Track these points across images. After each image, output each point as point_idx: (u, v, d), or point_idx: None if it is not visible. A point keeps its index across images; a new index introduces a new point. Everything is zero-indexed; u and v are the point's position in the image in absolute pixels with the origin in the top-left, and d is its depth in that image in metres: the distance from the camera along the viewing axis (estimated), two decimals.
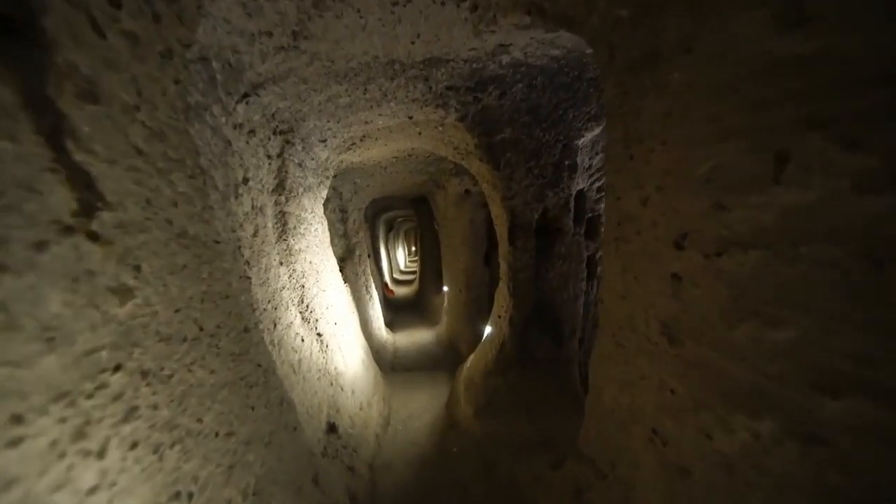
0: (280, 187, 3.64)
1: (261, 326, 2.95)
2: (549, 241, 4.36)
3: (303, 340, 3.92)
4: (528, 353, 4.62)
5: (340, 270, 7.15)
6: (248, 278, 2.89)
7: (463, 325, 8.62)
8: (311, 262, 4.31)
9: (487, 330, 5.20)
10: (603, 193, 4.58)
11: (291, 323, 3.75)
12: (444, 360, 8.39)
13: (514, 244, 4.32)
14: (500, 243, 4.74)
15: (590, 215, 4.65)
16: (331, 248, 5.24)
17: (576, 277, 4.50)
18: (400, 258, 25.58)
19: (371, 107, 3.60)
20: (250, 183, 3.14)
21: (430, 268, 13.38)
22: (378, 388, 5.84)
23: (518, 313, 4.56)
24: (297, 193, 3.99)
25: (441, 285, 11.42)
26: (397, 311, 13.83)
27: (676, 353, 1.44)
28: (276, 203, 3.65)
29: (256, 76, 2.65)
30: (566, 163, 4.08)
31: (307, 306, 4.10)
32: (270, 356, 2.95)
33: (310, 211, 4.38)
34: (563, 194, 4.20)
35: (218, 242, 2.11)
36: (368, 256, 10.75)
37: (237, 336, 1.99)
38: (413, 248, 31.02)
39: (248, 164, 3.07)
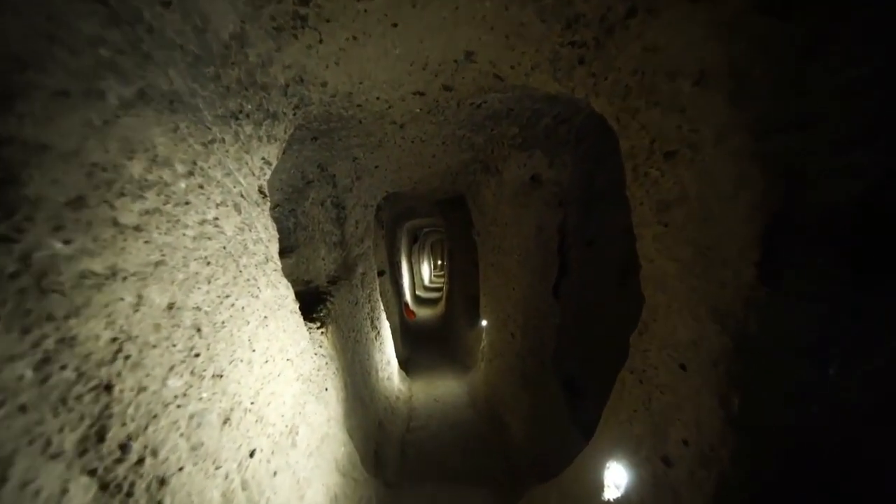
0: None
1: None
2: (881, 276, 1.41)
3: None
4: None
5: (325, 300, 4.40)
6: None
7: (514, 387, 5.64)
8: (179, 309, 1.54)
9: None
10: None
11: None
12: (483, 452, 5.40)
13: (778, 278, 1.40)
14: (702, 273, 1.82)
15: None
16: (275, 268, 2.49)
17: None
18: (425, 272, 22.95)
19: None
20: None
21: (460, 291, 10.50)
22: None
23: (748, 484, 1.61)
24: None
25: (476, 316, 8.50)
26: (417, 343, 11.01)
27: None
28: None
29: None
30: None
31: (121, 449, 1.32)
32: None
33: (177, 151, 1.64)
34: None
35: None
36: (380, 273, 8.03)
37: None
38: (439, 262, 28.59)
39: None
